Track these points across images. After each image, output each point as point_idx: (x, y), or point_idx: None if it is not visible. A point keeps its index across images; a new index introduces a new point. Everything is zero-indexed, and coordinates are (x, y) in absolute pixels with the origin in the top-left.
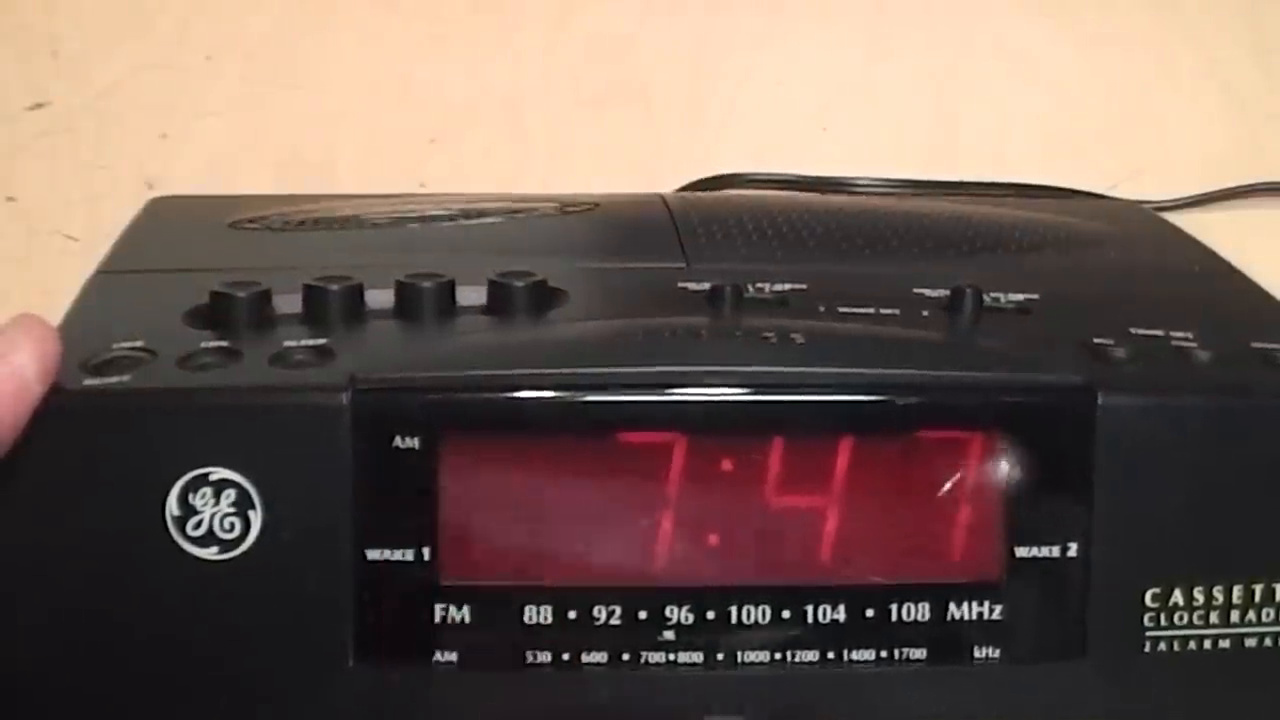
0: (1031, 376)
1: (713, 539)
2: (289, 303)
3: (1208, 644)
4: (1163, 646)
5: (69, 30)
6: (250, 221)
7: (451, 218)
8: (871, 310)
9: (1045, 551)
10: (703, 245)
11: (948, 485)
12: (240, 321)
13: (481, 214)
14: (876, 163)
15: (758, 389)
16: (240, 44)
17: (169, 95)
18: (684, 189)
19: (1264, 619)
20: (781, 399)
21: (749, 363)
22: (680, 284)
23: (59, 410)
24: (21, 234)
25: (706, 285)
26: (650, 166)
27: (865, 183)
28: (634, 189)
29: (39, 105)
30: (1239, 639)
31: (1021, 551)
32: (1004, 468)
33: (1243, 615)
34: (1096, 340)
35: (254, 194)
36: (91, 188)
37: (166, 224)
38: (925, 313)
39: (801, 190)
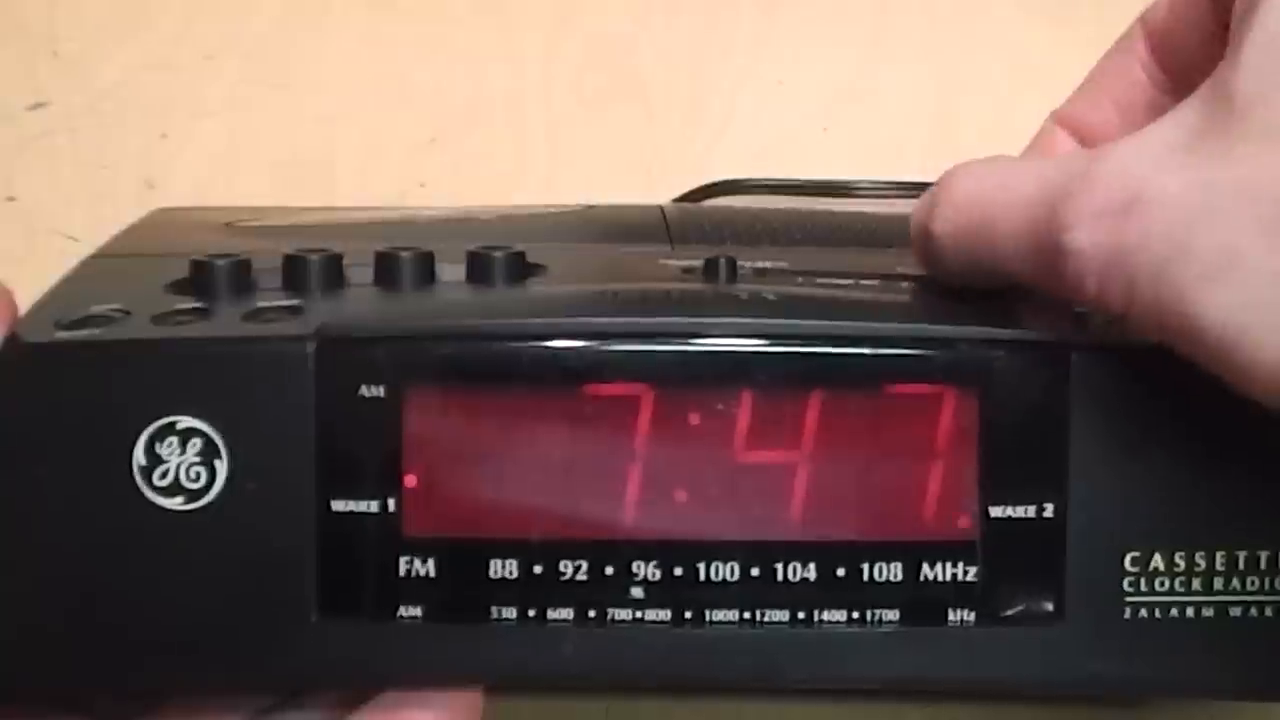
0: (1005, 331)
1: (681, 494)
2: (270, 277)
3: (1190, 611)
4: (1143, 613)
5: (69, 30)
6: (247, 221)
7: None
8: (851, 281)
9: (1021, 512)
10: (690, 235)
11: None
12: (219, 288)
13: (473, 216)
14: (877, 162)
15: (726, 341)
16: (240, 44)
17: (169, 95)
18: (684, 196)
19: (1249, 587)
20: (750, 350)
21: (718, 315)
22: (662, 261)
23: (30, 361)
24: (21, 234)
25: (687, 261)
26: (651, 166)
27: (867, 186)
28: (634, 188)
29: (39, 105)
30: (1223, 607)
31: (996, 511)
32: (977, 424)
33: (1226, 582)
34: (1078, 310)
35: (258, 205)
36: (91, 188)
37: (163, 224)
38: (905, 284)
39: (803, 194)
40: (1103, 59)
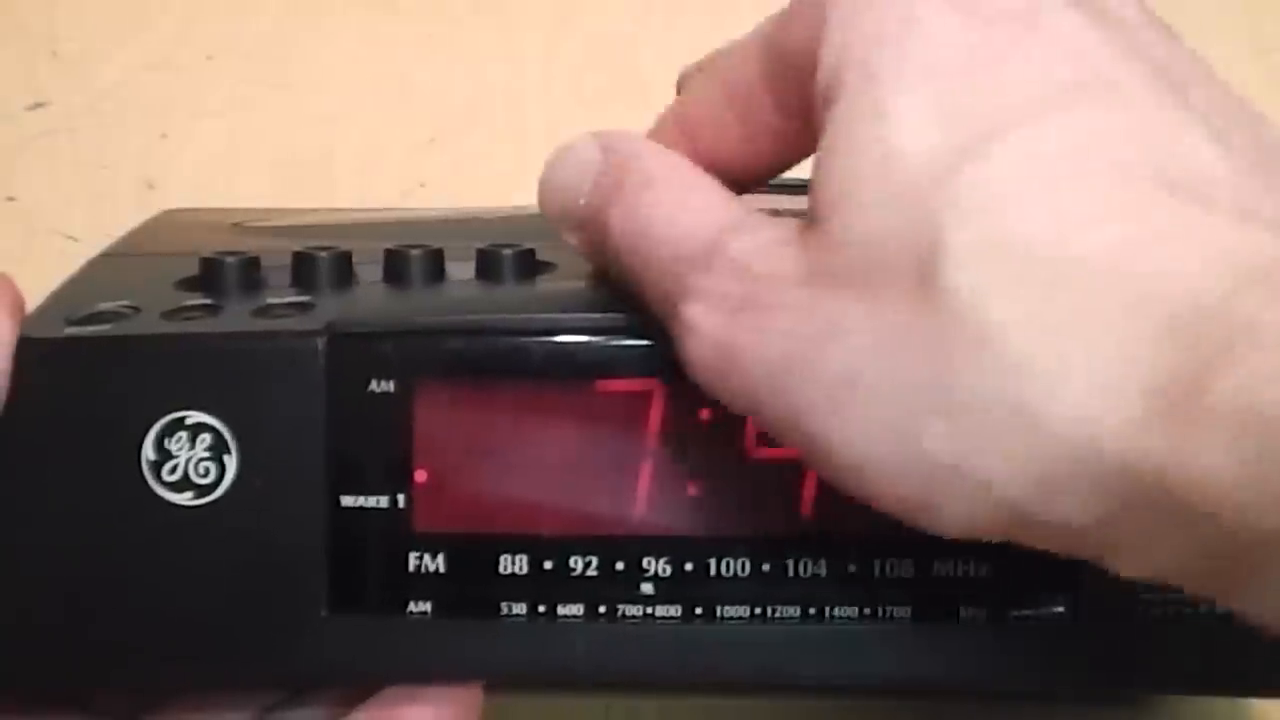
0: None
1: (692, 490)
2: (280, 274)
3: (1203, 607)
4: (1157, 611)
5: (69, 30)
6: (254, 221)
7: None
8: None
9: None
10: None
11: None
12: (228, 285)
13: (482, 215)
14: None
15: None
16: (240, 44)
17: (169, 95)
18: None
19: None
20: None
21: None
22: None
23: (39, 357)
24: (21, 234)
25: None
26: None
27: None
28: None
29: (39, 105)
30: None
31: None
32: None
33: None
34: None
35: (264, 206)
36: (91, 188)
37: (170, 225)
38: None
39: (803, 194)
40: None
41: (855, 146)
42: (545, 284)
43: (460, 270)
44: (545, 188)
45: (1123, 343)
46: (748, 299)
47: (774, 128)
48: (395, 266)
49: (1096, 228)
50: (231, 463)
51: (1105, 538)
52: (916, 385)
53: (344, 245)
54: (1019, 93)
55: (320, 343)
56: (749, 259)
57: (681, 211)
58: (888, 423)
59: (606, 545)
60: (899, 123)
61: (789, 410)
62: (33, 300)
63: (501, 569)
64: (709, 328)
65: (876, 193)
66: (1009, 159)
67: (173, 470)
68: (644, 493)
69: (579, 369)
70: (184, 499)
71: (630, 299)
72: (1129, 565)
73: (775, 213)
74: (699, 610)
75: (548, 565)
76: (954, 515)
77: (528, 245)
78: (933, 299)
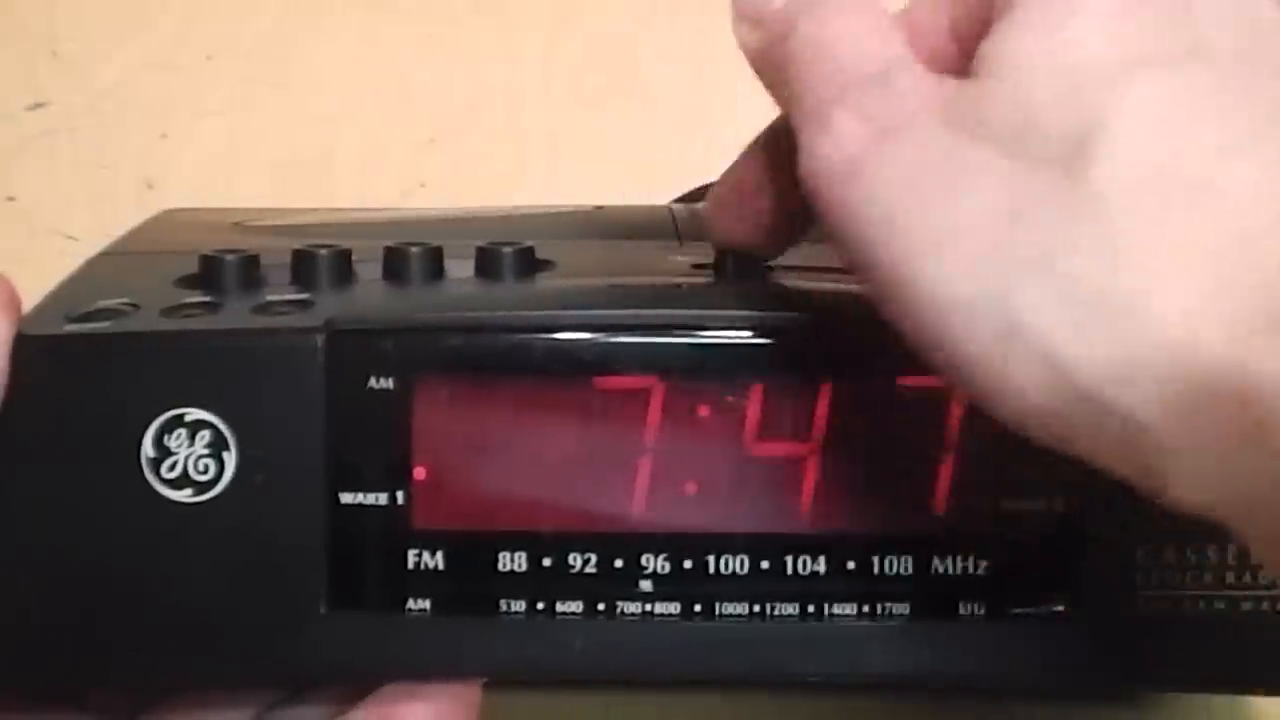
0: None
1: (691, 487)
2: (279, 272)
3: (1202, 605)
4: (1155, 607)
5: (69, 30)
6: (255, 221)
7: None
8: None
9: (1032, 505)
10: (699, 233)
11: None
12: (228, 282)
13: (481, 214)
14: None
15: (736, 334)
16: (240, 44)
17: (169, 95)
18: (685, 196)
19: (1260, 581)
20: (761, 343)
21: (728, 308)
22: (671, 257)
23: (38, 354)
24: (21, 234)
25: (697, 257)
26: (651, 166)
27: None
28: (634, 188)
29: (39, 105)
30: (1234, 601)
31: (1007, 504)
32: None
33: (1238, 577)
34: None
35: (265, 206)
36: (91, 188)
37: (170, 224)
38: None
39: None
40: None
41: (1038, 23)
42: (544, 281)
43: (459, 268)
44: None
45: (1243, 264)
46: (896, 127)
47: (936, 49)
48: (394, 264)
49: (1243, 158)
50: (231, 460)
51: (1166, 442)
52: (1029, 247)
53: (344, 243)
54: (1214, 34)
55: (319, 340)
56: (910, 94)
57: (867, 36)
58: (986, 273)
59: (605, 542)
60: (1089, 17)
61: (889, 237)
62: (33, 300)
63: (500, 566)
64: (849, 138)
65: (1049, 67)
66: (1187, 83)
67: (172, 467)
68: (643, 490)
69: (578, 366)
70: (183, 496)
71: (632, 300)
72: (1180, 484)
73: None
74: (698, 607)
75: (547, 562)
76: (1013, 382)
77: (527, 243)
78: (1076, 176)
